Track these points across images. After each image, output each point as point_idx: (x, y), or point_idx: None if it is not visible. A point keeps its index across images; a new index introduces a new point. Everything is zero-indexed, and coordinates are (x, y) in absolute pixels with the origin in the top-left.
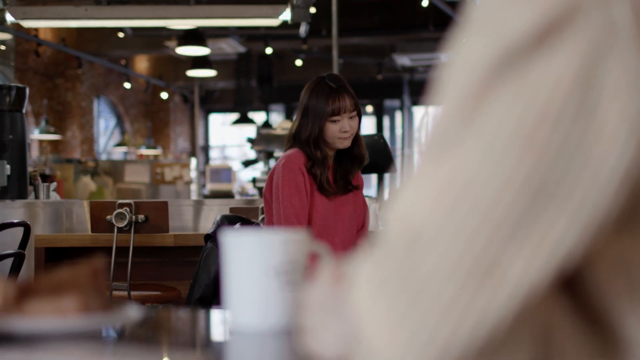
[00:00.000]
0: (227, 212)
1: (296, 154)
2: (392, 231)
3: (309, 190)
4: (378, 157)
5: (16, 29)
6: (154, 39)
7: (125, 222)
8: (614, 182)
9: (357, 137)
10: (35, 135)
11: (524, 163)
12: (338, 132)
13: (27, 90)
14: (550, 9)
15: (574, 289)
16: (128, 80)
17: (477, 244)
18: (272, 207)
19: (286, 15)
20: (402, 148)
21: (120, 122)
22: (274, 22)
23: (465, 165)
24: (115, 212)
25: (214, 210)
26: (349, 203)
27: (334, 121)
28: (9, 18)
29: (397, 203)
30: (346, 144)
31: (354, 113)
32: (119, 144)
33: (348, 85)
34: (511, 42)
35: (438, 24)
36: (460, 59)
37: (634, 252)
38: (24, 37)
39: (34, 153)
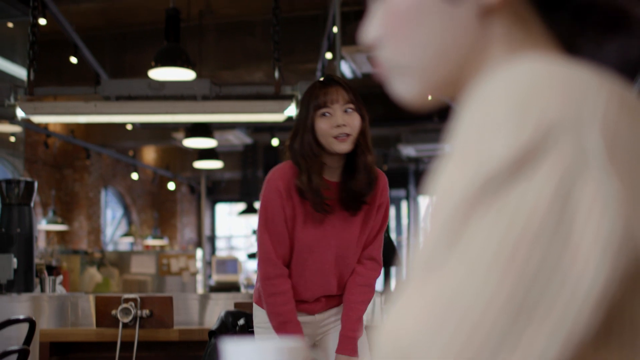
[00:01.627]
0: (231, 307)
1: (282, 168)
2: (381, 351)
3: (290, 212)
4: (383, 252)
5: (26, 121)
6: (161, 131)
7: (131, 317)
8: (591, 300)
9: (364, 143)
10: (43, 225)
11: (505, 284)
12: (330, 127)
13: (36, 184)
14: (524, 138)
15: None
16: (135, 171)
17: None
18: None
19: (291, 110)
20: (408, 238)
21: (127, 213)
22: (279, 118)
23: (451, 286)
24: (120, 307)
25: (220, 305)
26: (347, 228)
27: (325, 115)
28: (20, 113)
29: (386, 322)
30: (345, 147)
31: (350, 106)
32: (126, 234)
33: (347, 82)
34: (490, 170)
35: (443, 115)
36: (444, 187)
37: None
38: (33, 129)
39: (40, 243)
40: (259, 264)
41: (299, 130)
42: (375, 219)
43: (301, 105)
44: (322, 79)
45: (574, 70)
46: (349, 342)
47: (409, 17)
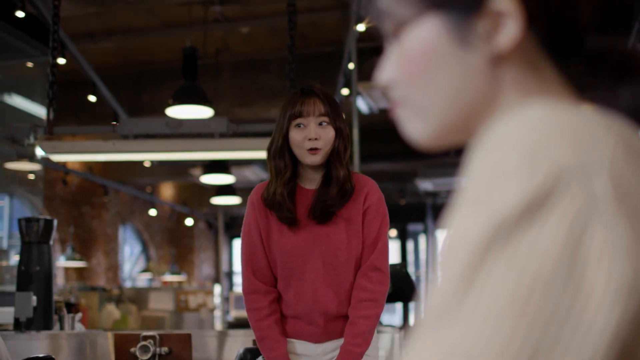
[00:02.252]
0: (250, 344)
1: (264, 182)
2: None
3: (264, 222)
4: (401, 287)
5: (45, 159)
6: (178, 168)
7: (149, 355)
8: (603, 344)
9: (337, 158)
10: (61, 262)
11: (519, 332)
12: (302, 139)
13: (55, 223)
14: (535, 185)
15: None
16: (153, 207)
17: None
18: None
19: None
20: (427, 272)
21: (145, 249)
22: None
23: (464, 333)
24: (139, 345)
25: (238, 342)
26: (330, 235)
27: (299, 126)
28: (40, 152)
29: None
30: (314, 159)
31: (325, 119)
32: (144, 271)
33: (326, 93)
34: (502, 217)
35: (459, 150)
36: (456, 233)
37: None
38: (52, 167)
39: (59, 280)
40: None
41: (275, 137)
42: (368, 226)
43: (280, 112)
44: (302, 87)
45: (582, 116)
46: (349, 357)
47: (423, 62)
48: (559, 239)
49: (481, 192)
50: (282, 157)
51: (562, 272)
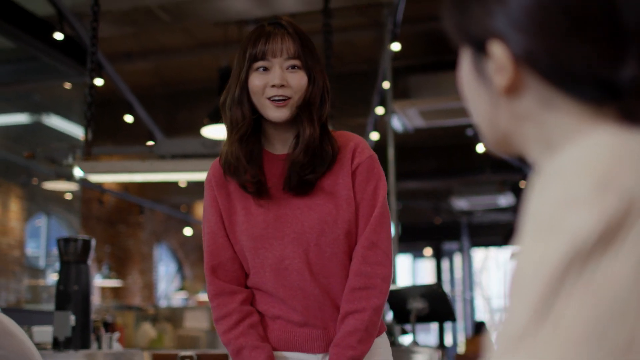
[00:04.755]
0: None
1: (218, 159)
2: None
3: (224, 202)
4: (437, 307)
5: (82, 179)
6: None
7: None
8: None
9: (305, 110)
10: (97, 281)
11: (597, 358)
12: (264, 86)
13: (93, 242)
14: (608, 212)
15: None
16: (188, 226)
17: None
18: None
19: None
20: (463, 292)
21: (180, 268)
22: None
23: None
24: None
25: None
26: (311, 208)
27: (260, 69)
28: (78, 173)
29: None
30: (279, 114)
31: (295, 62)
32: (179, 290)
33: (298, 28)
34: (577, 246)
35: (495, 167)
36: (528, 262)
37: None
38: (88, 187)
39: (95, 299)
40: None
41: (231, 85)
42: (361, 190)
43: (238, 51)
44: (269, 22)
45: None
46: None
47: (465, 87)
48: (633, 266)
49: (552, 219)
50: (239, 107)
51: (638, 297)
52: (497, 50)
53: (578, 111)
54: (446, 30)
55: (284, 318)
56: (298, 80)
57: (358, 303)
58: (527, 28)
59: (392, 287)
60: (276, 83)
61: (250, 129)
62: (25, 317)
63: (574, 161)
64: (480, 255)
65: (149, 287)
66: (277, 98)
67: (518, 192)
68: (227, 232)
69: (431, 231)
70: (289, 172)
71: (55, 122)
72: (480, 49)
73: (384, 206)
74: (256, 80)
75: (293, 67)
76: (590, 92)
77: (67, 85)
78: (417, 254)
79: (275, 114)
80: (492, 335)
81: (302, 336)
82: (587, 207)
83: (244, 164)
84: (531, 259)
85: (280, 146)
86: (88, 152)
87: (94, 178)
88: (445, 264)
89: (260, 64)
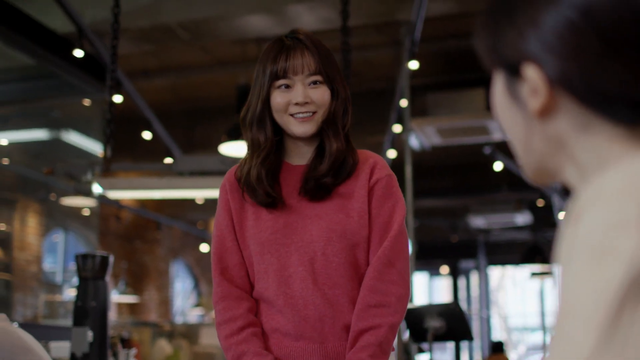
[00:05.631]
0: None
1: (237, 165)
2: None
3: (237, 204)
4: (454, 326)
5: (100, 195)
6: None
7: None
8: None
9: (331, 124)
10: (114, 297)
11: None
12: (287, 104)
13: (111, 259)
14: None
15: None
16: (205, 243)
17: None
18: None
19: None
20: (480, 310)
21: (196, 284)
22: None
23: None
24: None
25: None
26: (321, 216)
27: (282, 87)
28: (97, 189)
29: None
30: (305, 129)
31: (317, 78)
32: (195, 306)
33: (317, 41)
34: (632, 269)
35: (512, 186)
36: (582, 288)
37: None
38: (106, 203)
39: (111, 315)
40: None
41: (252, 101)
42: (378, 206)
43: (257, 66)
44: (286, 37)
45: None
46: None
47: (497, 110)
48: None
49: (603, 244)
50: (262, 127)
51: None
52: (531, 73)
53: (612, 133)
54: (478, 52)
55: (281, 331)
56: (321, 95)
57: (373, 320)
58: (560, 51)
59: (409, 306)
60: (299, 101)
61: (274, 149)
62: (42, 332)
63: (617, 184)
64: (496, 273)
65: (165, 304)
66: (301, 115)
67: (535, 211)
68: (237, 236)
69: (448, 249)
70: (306, 180)
71: (74, 138)
72: (513, 72)
73: (402, 227)
74: (278, 98)
75: (315, 82)
76: (625, 114)
77: (87, 102)
78: (434, 272)
79: (300, 129)
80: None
81: (297, 351)
82: (636, 230)
83: (264, 185)
84: (588, 284)
85: (299, 158)
86: (107, 169)
87: (113, 195)
88: (461, 282)
89: (282, 82)
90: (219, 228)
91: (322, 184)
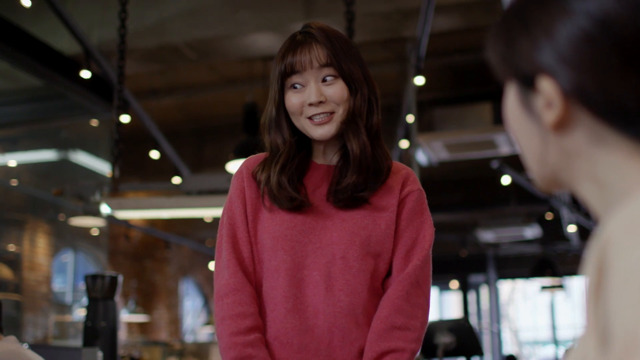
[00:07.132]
0: None
1: (257, 155)
2: None
3: (253, 193)
4: (465, 341)
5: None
6: None
7: None
8: None
9: (352, 123)
10: (124, 316)
11: None
12: (301, 105)
13: (121, 279)
14: None
15: None
16: (214, 261)
17: None
18: None
19: None
20: (490, 324)
21: (206, 302)
22: None
23: None
24: None
25: None
26: (345, 220)
27: (295, 87)
28: (105, 209)
29: None
30: (323, 131)
31: (330, 72)
32: (205, 324)
33: (330, 32)
34: None
35: (520, 199)
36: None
37: None
38: (115, 222)
39: (121, 334)
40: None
41: (268, 105)
42: (407, 220)
43: (272, 68)
44: (300, 31)
45: None
46: None
47: (510, 122)
48: None
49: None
50: (279, 130)
51: None
52: (546, 86)
53: (629, 147)
54: (490, 63)
55: (280, 340)
56: (336, 92)
57: (396, 343)
58: (576, 63)
59: None
60: (313, 101)
61: (294, 151)
62: (52, 353)
63: None
64: (506, 287)
65: (175, 322)
66: (318, 118)
67: (544, 224)
68: (249, 227)
69: (457, 264)
70: (339, 190)
71: (83, 158)
72: (527, 84)
73: (430, 250)
74: (292, 99)
75: (329, 77)
76: None
77: (94, 122)
78: (444, 286)
79: (319, 132)
80: None
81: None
82: None
83: (287, 191)
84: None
85: (325, 158)
86: (115, 189)
87: (121, 215)
88: (471, 296)
89: (292, 80)
90: (231, 216)
91: (358, 197)
